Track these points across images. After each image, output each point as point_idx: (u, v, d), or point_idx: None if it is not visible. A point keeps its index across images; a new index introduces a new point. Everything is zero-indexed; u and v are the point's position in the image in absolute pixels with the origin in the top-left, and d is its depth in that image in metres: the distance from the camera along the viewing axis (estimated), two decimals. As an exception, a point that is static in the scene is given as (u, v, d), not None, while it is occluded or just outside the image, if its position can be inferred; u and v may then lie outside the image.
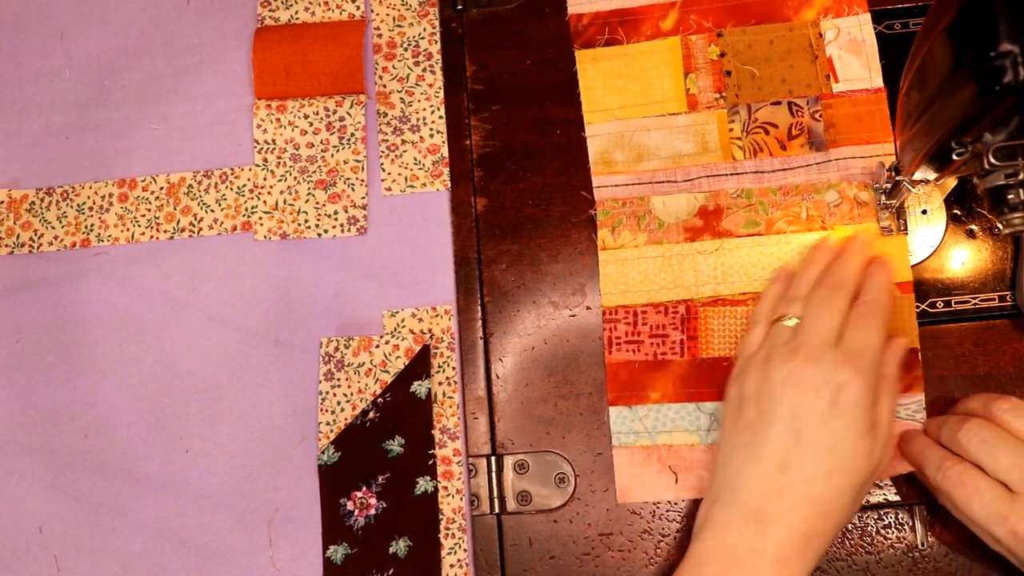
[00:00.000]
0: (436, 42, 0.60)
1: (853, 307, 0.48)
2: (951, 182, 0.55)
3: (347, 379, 0.55)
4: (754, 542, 0.44)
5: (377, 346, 0.55)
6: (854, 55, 0.56)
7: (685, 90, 0.57)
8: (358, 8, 0.61)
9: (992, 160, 0.42)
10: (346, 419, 0.55)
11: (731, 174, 0.56)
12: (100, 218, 0.59)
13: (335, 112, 0.59)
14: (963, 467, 0.46)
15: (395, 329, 0.56)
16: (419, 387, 0.54)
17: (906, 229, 0.54)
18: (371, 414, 0.54)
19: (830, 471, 0.44)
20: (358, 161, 0.59)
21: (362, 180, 0.58)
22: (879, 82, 0.56)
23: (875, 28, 0.57)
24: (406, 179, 0.58)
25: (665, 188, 0.56)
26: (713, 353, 0.54)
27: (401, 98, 0.60)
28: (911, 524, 0.52)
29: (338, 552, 0.53)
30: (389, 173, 0.59)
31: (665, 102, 0.57)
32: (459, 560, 0.53)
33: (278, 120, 0.59)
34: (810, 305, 0.49)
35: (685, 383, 0.54)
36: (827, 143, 0.56)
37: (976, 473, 0.46)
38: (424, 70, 0.60)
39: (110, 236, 0.59)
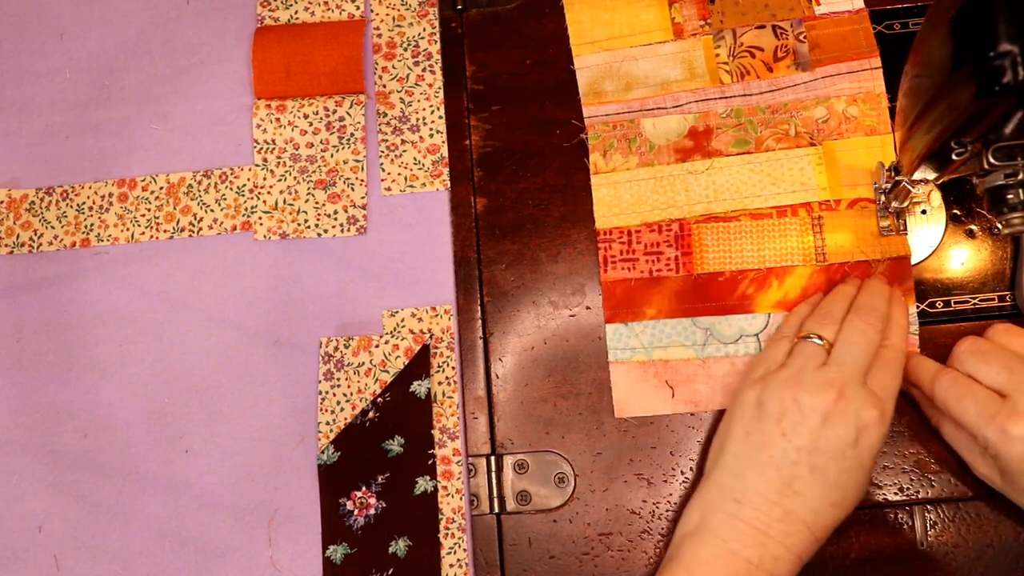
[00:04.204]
0: (436, 42, 0.60)
1: (879, 348, 0.49)
2: (936, 192, 0.55)
3: (347, 379, 0.55)
4: (754, 556, 0.45)
5: (377, 346, 0.55)
6: None
7: (670, 19, 0.58)
8: (358, 8, 0.61)
9: (991, 160, 0.42)
10: (346, 419, 0.55)
11: (720, 98, 0.57)
12: (100, 218, 0.59)
13: (335, 112, 0.59)
14: (957, 374, 0.49)
15: (395, 329, 0.56)
16: (419, 387, 0.54)
17: (906, 229, 0.54)
18: (371, 414, 0.54)
19: (834, 503, 0.46)
20: (358, 161, 0.59)
21: (362, 180, 0.58)
22: (860, 3, 0.57)
23: (875, 28, 0.57)
24: (406, 179, 0.58)
25: (656, 114, 0.57)
26: (708, 268, 0.55)
27: (401, 98, 0.60)
28: (911, 524, 0.52)
29: (338, 552, 0.53)
30: (389, 173, 0.59)
31: (651, 31, 0.58)
32: (459, 560, 0.53)
33: (278, 120, 0.59)
34: (846, 331, 0.49)
35: (681, 299, 0.55)
36: (813, 63, 0.57)
37: (970, 379, 0.48)
38: (424, 70, 0.60)
39: (110, 236, 0.59)
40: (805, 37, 0.57)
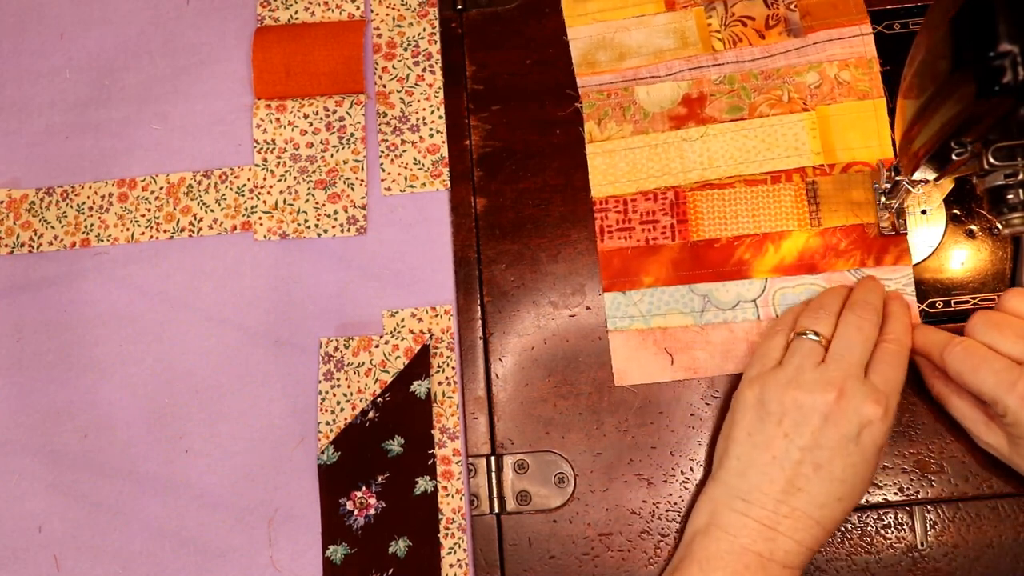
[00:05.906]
0: (436, 42, 0.60)
1: (880, 343, 0.49)
2: (949, 182, 0.55)
3: (347, 379, 0.55)
4: (765, 550, 0.46)
5: (377, 346, 0.55)
6: None
7: None
8: (358, 8, 0.61)
9: (991, 160, 0.42)
10: (346, 419, 0.55)
11: (712, 65, 0.58)
12: (100, 218, 0.59)
13: (335, 112, 0.59)
14: (970, 342, 0.48)
15: (395, 329, 0.56)
16: (419, 387, 0.54)
17: (905, 229, 0.54)
18: (371, 414, 0.54)
19: (840, 497, 0.47)
20: (358, 161, 0.59)
21: (362, 180, 0.58)
22: None
23: (875, 28, 0.57)
24: (406, 179, 0.58)
25: (649, 82, 0.58)
26: (704, 235, 0.56)
27: (401, 98, 0.60)
28: (911, 524, 0.52)
29: (338, 552, 0.53)
30: (389, 173, 0.59)
31: (643, 3, 0.59)
32: (459, 560, 0.53)
33: (278, 120, 0.59)
34: (842, 328, 0.49)
35: (678, 266, 0.55)
36: (804, 29, 0.57)
37: (984, 347, 0.47)
38: (424, 70, 0.60)
39: (110, 236, 0.59)
40: (796, 6, 0.58)
